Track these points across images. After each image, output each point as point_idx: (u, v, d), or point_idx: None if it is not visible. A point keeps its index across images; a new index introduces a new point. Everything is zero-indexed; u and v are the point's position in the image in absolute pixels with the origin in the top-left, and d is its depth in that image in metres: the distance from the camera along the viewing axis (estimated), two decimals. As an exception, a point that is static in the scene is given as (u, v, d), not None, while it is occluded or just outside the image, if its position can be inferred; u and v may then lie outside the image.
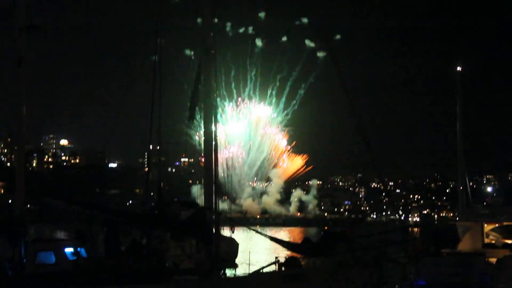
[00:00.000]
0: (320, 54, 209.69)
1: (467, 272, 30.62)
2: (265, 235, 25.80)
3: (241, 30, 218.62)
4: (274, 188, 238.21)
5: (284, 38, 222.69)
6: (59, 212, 25.21)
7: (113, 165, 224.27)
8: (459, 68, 39.45)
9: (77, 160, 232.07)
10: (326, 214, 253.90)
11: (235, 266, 27.88)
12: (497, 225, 35.73)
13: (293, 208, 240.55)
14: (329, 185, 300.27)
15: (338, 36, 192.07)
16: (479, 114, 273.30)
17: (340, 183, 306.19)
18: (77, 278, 21.17)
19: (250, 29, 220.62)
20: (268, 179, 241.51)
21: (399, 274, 35.78)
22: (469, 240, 35.01)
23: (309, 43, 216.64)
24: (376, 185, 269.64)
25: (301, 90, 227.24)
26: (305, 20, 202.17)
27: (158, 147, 30.87)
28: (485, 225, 35.62)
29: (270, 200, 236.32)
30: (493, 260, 31.45)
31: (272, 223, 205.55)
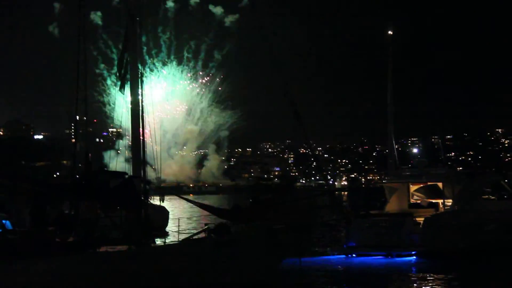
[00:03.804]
0: (228, 20, 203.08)
1: (396, 232, 31.20)
2: (194, 202, 25.71)
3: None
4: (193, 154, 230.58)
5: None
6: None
7: (39, 137, 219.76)
8: (390, 32, 39.82)
9: (1, 133, 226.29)
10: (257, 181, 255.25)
11: (165, 234, 27.67)
12: (421, 185, 36.36)
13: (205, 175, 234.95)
14: (258, 152, 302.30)
15: None
16: (407, 78, 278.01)
17: (270, 150, 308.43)
18: (3, 250, 20.69)
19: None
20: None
21: (330, 237, 36.54)
22: (396, 201, 35.58)
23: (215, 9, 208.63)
24: (304, 151, 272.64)
25: (218, 55, 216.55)
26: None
27: (85, 118, 30.32)
28: (411, 185, 36.23)
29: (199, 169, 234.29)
30: (420, 219, 32.12)
31: (206, 191, 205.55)
